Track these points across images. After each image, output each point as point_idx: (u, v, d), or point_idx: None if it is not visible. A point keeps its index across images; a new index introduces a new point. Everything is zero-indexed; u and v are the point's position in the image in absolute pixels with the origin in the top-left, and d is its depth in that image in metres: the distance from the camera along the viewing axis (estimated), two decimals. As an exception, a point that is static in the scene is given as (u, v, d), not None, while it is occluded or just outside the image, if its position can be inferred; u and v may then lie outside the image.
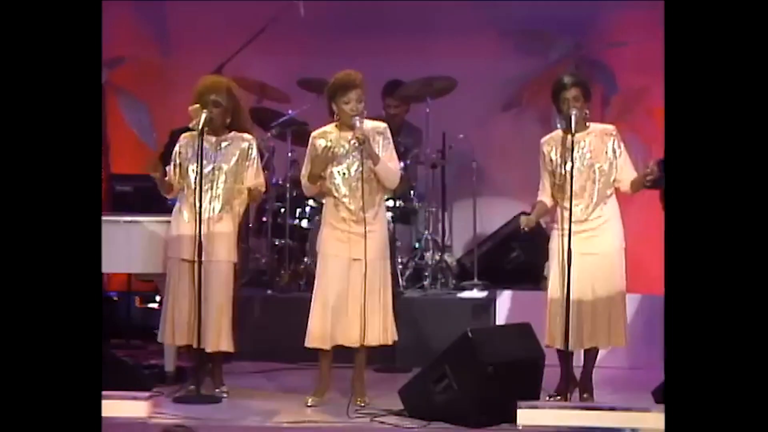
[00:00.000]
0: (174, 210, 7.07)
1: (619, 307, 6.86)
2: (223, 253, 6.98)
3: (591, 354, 6.96)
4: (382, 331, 6.80)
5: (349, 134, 6.79)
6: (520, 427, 6.12)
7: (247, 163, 7.02)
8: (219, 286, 6.95)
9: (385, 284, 6.85)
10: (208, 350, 6.94)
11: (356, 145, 6.72)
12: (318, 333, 6.78)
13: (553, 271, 6.84)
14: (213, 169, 6.98)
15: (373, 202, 6.84)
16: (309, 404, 6.81)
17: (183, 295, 6.92)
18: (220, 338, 6.95)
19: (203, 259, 6.86)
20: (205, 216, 6.90)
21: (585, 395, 6.95)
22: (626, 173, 6.86)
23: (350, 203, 6.79)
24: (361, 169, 6.77)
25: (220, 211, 6.98)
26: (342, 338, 6.77)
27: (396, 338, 6.92)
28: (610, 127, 6.96)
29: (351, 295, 6.74)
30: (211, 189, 6.97)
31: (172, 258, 7.00)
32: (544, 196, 6.95)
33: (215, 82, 7.14)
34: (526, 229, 6.96)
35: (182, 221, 6.97)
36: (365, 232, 6.72)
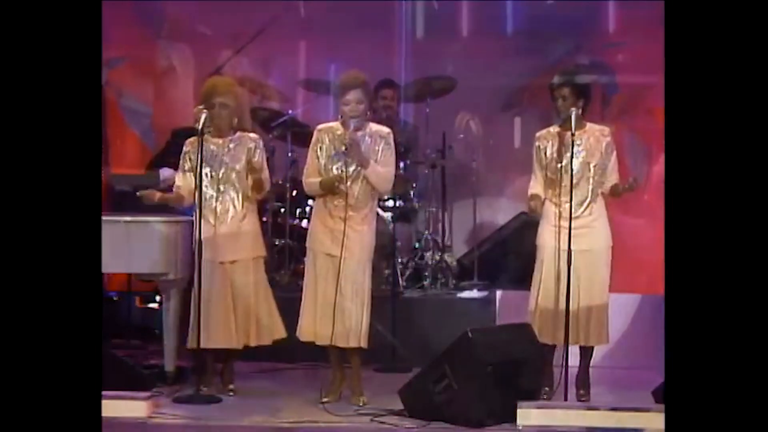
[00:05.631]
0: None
1: (604, 304, 6.89)
2: (251, 250, 7.03)
3: (586, 352, 6.98)
4: (363, 333, 6.79)
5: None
6: (520, 427, 6.12)
7: (254, 160, 7.01)
8: (253, 283, 7.00)
9: (368, 287, 6.85)
10: (264, 343, 7.02)
11: (344, 148, 6.73)
12: (309, 328, 6.82)
13: (544, 266, 6.87)
14: (226, 170, 6.99)
15: (365, 202, 6.85)
16: (323, 401, 6.82)
17: (220, 298, 6.92)
18: (271, 330, 7.03)
19: (232, 258, 6.94)
20: (227, 217, 6.97)
21: (582, 392, 6.96)
22: (611, 177, 6.95)
23: (341, 201, 6.79)
24: (356, 169, 6.77)
25: (242, 209, 7.01)
26: (336, 338, 6.78)
27: (367, 343, 6.90)
28: (606, 129, 7.06)
29: (339, 292, 6.73)
30: (227, 190, 6.99)
31: (204, 261, 6.87)
32: (538, 189, 7.00)
33: (222, 83, 7.12)
34: (535, 212, 7.00)
35: (208, 225, 6.93)
36: (343, 229, 6.73)
